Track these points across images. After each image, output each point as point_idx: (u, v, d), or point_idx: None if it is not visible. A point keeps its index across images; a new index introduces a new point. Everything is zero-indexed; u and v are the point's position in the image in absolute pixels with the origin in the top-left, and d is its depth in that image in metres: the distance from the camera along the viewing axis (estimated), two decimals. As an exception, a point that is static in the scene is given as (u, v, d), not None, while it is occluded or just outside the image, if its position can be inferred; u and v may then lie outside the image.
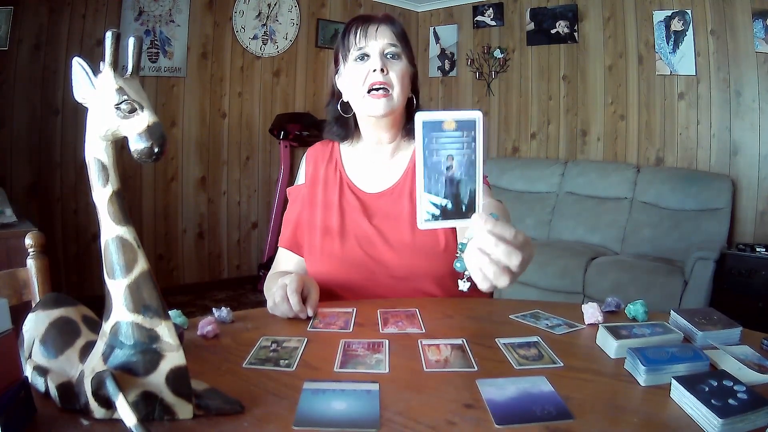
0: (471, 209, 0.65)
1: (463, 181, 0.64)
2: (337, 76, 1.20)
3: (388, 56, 1.13)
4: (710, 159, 3.54)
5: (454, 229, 1.13)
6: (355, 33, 1.13)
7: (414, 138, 1.21)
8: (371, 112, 1.13)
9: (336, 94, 1.22)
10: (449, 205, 0.64)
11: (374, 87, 1.10)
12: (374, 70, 1.10)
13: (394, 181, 1.20)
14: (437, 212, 0.64)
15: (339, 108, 1.20)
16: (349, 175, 1.23)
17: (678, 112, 3.67)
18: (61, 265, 3.35)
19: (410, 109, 1.20)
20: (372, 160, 1.23)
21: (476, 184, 0.65)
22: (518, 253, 0.61)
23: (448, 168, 0.64)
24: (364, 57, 1.13)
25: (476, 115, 0.63)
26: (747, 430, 0.60)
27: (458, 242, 1.09)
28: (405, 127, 1.22)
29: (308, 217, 1.22)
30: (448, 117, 0.63)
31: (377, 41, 1.12)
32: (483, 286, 0.64)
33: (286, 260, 1.25)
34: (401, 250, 1.13)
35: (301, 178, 1.28)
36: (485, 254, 0.62)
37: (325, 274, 1.14)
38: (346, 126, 1.23)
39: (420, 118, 0.62)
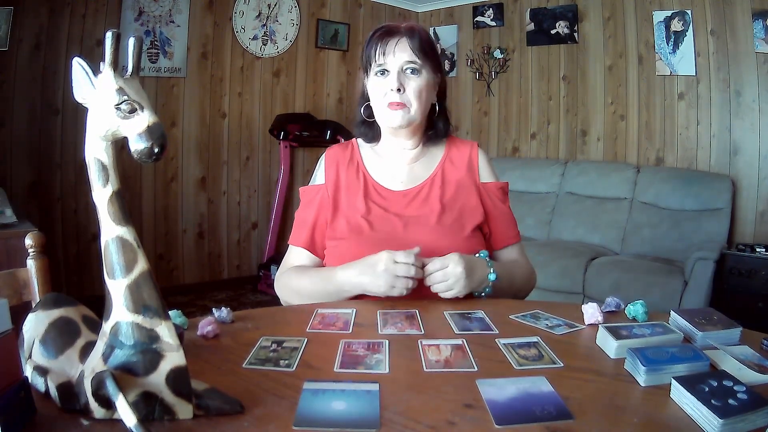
0: None
1: None
2: (366, 79, 1.23)
3: (407, 71, 1.16)
4: (710, 159, 3.54)
5: (480, 238, 1.21)
6: (375, 48, 1.16)
7: (438, 143, 1.27)
8: (389, 123, 1.19)
9: (365, 97, 1.25)
10: None
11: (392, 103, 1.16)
12: (391, 89, 1.15)
13: (419, 183, 1.23)
14: None
15: (363, 112, 1.24)
16: (372, 175, 1.25)
17: (678, 113, 3.66)
18: (61, 265, 3.35)
19: (433, 115, 1.23)
20: (395, 161, 1.27)
21: None
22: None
23: None
24: (384, 72, 1.17)
25: None
26: (747, 430, 0.60)
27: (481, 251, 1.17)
28: (427, 133, 1.26)
29: (330, 221, 1.21)
30: None
31: (395, 57, 1.15)
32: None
33: (299, 258, 1.24)
34: (425, 250, 1.13)
35: (319, 178, 1.27)
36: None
37: None
38: (372, 128, 1.27)
39: None
